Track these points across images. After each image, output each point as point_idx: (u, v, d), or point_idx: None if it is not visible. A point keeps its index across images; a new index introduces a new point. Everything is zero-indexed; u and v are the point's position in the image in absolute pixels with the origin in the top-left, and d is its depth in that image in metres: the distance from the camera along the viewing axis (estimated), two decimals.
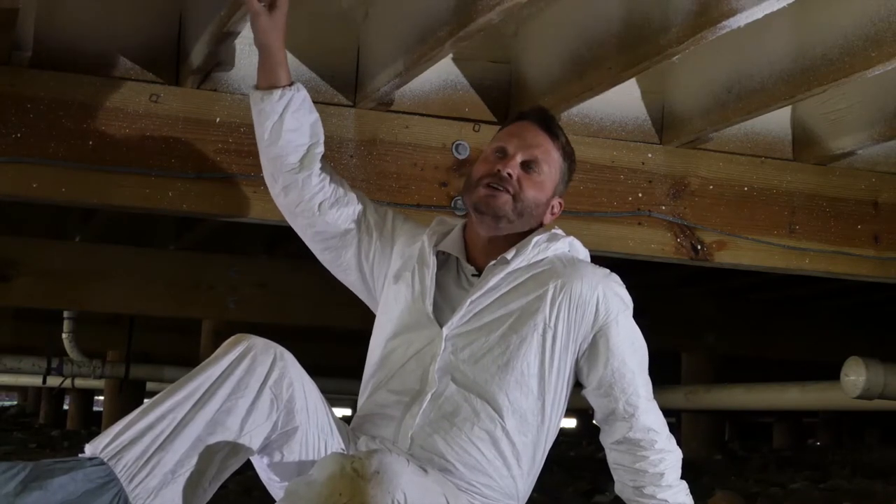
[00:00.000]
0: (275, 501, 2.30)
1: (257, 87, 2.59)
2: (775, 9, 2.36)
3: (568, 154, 2.55)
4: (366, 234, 2.61)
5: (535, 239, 2.47)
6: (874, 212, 3.55)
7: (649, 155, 3.36)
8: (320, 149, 2.61)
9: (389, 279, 2.56)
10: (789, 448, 11.39)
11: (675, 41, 2.55)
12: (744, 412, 12.09)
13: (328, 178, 2.61)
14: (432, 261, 2.49)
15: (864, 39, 2.59)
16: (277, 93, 2.55)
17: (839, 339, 7.07)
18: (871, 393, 4.82)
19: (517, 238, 2.49)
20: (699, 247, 3.38)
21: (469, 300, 2.42)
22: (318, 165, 2.60)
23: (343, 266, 2.64)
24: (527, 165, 2.47)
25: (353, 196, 2.64)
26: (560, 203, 2.57)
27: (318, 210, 2.59)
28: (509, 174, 2.44)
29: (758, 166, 3.45)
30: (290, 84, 2.58)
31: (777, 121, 3.44)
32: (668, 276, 6.48)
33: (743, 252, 3.43)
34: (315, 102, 3.13)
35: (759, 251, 3.44)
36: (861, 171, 3.55)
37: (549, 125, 2.53)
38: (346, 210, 2.60)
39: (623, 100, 3.31)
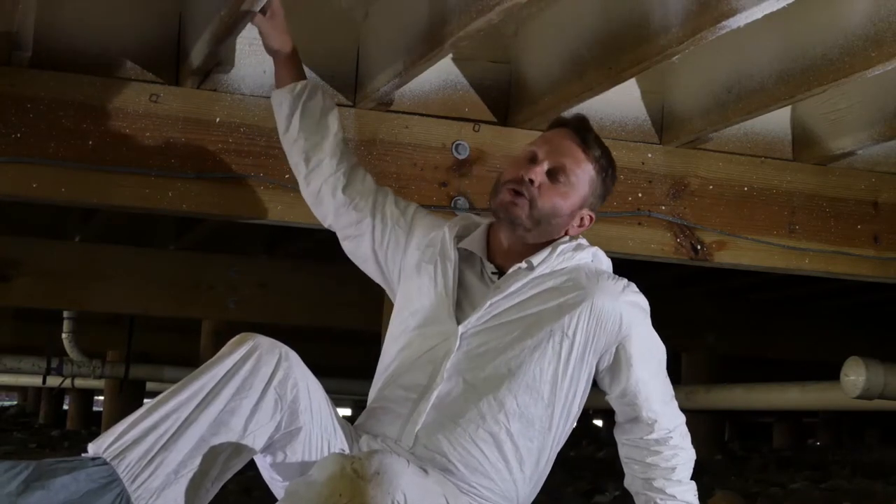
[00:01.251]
0: (275, 501, 2.30)
1: (276, 88, 2.73)
2: (775, 9, 2.35)
3: (603, 168, 2.51)
4: (380, 223, 2.62)
5: (561, 247, 2.46)
6: (874, 212, 3.55)
7: (649, 155, 3.36)
8: (340, 136, 2.69)
9: (409, 271, 2.55)
10: (789, 448, 11.39)
11: (675, 41, 2.55)
12: (744, 412, 12.09)
13: (348, 165, 2.67)
14: (454, 255, 2.49)
15: (864, 39, 2.59)
16: (292, 85, 2.67)
17: (839, 339, 7.07)
18: (871, 393, 4.81)
19: (541, 245, 2.48)
20: (699, 247, 3.38)
21: (489, 302, 2.41)
22: (339, 151, 2.66)
23: (362, 256, 2.66)
24: (553, 173, 2.45)
25: (373, 187, 2.68)
26: (591, 217, 2.53)
27: (333, 196, 2.63)
28: (531, 180, 2.43)
29: (758, 166, 3.45)
30: (305, 79, 2.70)
31: (777, 121, 3.44)
32: (668, 276, 6.48)
33: (743, 252, 3.43)
34: None
35: (759, 251, 3.44)
36: (861, 171, 3.55)
37: (585, 137, 2.49)
38: (363, 197, 2.64)
39: (623, 100, 3.31)
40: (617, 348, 2.44)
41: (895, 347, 6.42)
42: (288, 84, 2.69)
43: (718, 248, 3.41)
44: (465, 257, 2.52)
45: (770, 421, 13.19)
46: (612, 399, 2.49)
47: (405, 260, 2.57)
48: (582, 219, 2.52)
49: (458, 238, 2.53)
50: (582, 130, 2.51)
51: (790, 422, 12.30)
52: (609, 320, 2.42)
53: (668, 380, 2.51)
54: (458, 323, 2.41)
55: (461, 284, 2.47)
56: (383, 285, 2.69)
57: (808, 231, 3.48)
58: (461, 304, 2.45)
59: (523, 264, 2.44)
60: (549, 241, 2.48)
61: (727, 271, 4.03)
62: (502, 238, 2.50)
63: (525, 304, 2.42)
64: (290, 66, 2.70)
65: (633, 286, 2.50)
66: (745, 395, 6.90)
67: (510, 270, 2.45)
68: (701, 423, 8.16)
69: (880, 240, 3.54)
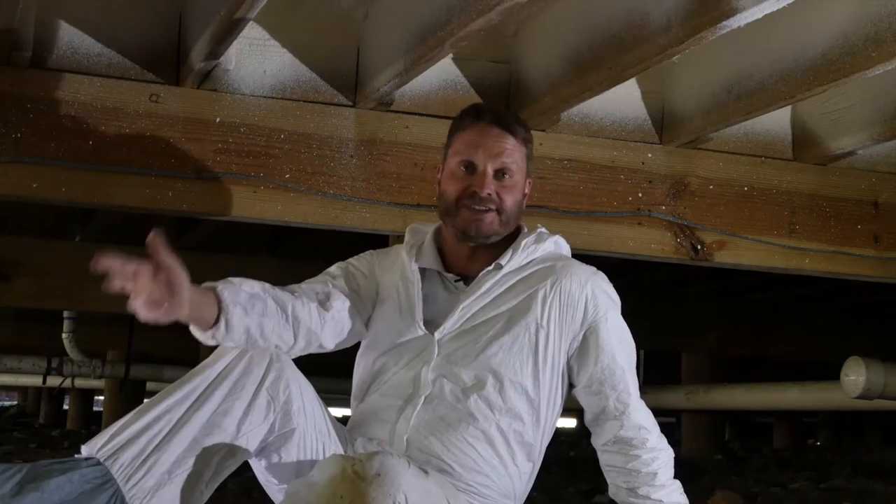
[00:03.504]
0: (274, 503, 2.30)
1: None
2: (775, 9, 2.36)
3: (528, 141, 2.49)
4: (366, 304, 2.50)
5: (524, 242, 2.46)
6: (874, 212, 3.55)
7: (649, 155, 3.36)
8: (289, 310, 2.34)
9: (377, 305, 2.52)
10: (789, 448, 11.38)
11: (675, 41, 2.55)
12: (744, 412, 12.08)
13: (315, 312, 2.39)
14: (416, 277, 2.46)
15: (864, 39, 2.59)
16: (209, 333, 2.27)
17: (839, 339, 7.07)
18: (871, 393, 4.82)
19: (504, 240, 2.48)
20: (699, 247, 3.38)
21: (461, 306, 2.41)
22: (299, 339, 2.36)
23: (375, 335, 2.52)
24: (499, 174, 2.43)
25: (332, 289, 2.46)
26: (530, 182, 2.52)
27: (323, 345, 2.43)
28: (488, 194, 2.41)
29: (758, 166, 3.45)
30: (216, 320, 2.25)
31: (777, 121, 3.44)
32: (668, 276, 6.48)
33: (743, 252, 3.43)
34: (315, 102, 3.14)
35: (759, 251, 3.44)
36: (861, 171, 3.55)
37: (509, 124, 2.45)
38: (339, 313, 2.43)
39: (623, 100, 3.31)
40: (585, 333, 2.42)
41: (895, 347, 6.42)
42: (205, 327, 2.25)
43: (718, 248, 3.41)
44: (424, 273, 2.49)
45: (770, 421, 13.18)
46: (580, 392, 2.45)
47: (378, 299, 2.51)
48: (526, 191, 2.51)
49: (416, 255, 2.49)
50: (502, 119, 2.46)
51: (790, 422, 12.29)
52: (577, 304, 2.41)
53: (636, 380, 2.47)
54: (433, 333, 2.40)
55: (428, 299, 2.45)
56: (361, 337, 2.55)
57: (808, 231, 3.48)
58: (430, 318, 2.43)
59: (491, 267, 2.44)
60: (512, 235, 2.48)
61: (727, 271, 4.03)
62: (462, 246, 2.47)
63: (497, 301, 2.42)
64: (196, 312, 2.23)
65: (603, 275, 2.48)
66: (745, 395, 6.91)
67: (480, 274, 2.44)
68: (701, 423, 8.16)
69: (880, 240, 3.54)
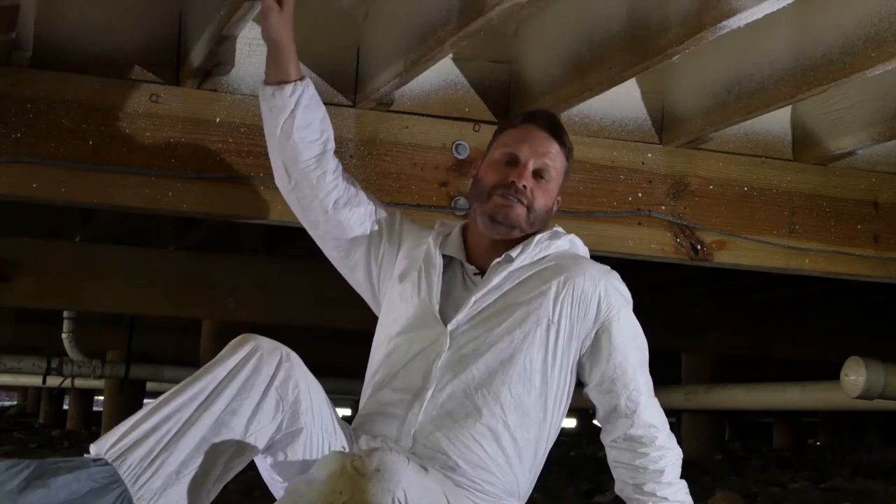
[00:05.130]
0: (276, 501, 2.30)
1: (266, 83, 2.57)
2: (775, 9, 2.36)
3: (571, 155, 2.59)
4: (376, 235, 2.62)
5: (538, 237, 2.49)
6: (874, 212, 3.55)
7: (649, 155, 3.36)
8: (332, 144, 2.63)
9: (395, 279, 2.56)
10: (789, 448, 11.38)
11: (675, 41, 2.55)
12: (744, 412, 12.08)
13: (341, 176, 2.63)
14: (439, 261, 2.50)
15: (864, 39, 2.59)
16: (289, 88, 2.53)
17: (839, 339, 7.07)
18: (871, 393, 4.82)
19: (520, 237, 2.50)
20: (699, 247, 3.38)
21: (473, 298, 2.43)
22: (333, 163, 2.61)
23: (351, 265, 2.64)
24: (538, 174, 2.49)
25: (363, 195, 2.65)
26: (558, 199, 2.59)
27: (332, 208, 2.59)
28: (524, 186, 2.46)
29: (758, 166, 3.45)
30: (300, 78, 2.56)
31: (777, 121, 3.44)
32: (669, 276, 6.48)
33: (743, 252, 3.43)
34: None
35: (759, 251, 3.44)
36: (861, 171, 3.55)
37: (558, 132, 2.55)
38: (357, 209, 2.61)
39: (623, 100, 3.31)
40: (597, 332, 2.44)
41: (895, 347, 6.42)
42: (282, 79, 2.53)
43: (718, 248, 3.41)
44: (447, 265, 2.54)
45: (770, 421, 13.18)
46: (591, 390, 2.48)
47: (395, 269, 2.58)
48: (554, 208, 2.58)
49: (442, 242, 2.55)
50: (554, 126, 2.55)
51: (790, 422, 12.29)
52: (590, 303, 2.43)
53: (649, 377, 2.50)
54: (446, 324, 2.42)
55: (445, 290, 2.49)
56: (365, 293, 2.67)
57: (808, 231, 3.48)
58: (445, 308, 2.46)
59: (501, 258, 2.46)
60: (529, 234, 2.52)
61: (727, 271, 4.03)
62: (485, 238, 2.52)
63: (509, 295, 2.44)
64: (289, 60, 2.53)
65: (616, 274, 2.51)
66: (745, 395, 6.91)
67: (491, 266, 2.47)
68: (701, 423, 8.17)
69: (880, 240, 3.54)
